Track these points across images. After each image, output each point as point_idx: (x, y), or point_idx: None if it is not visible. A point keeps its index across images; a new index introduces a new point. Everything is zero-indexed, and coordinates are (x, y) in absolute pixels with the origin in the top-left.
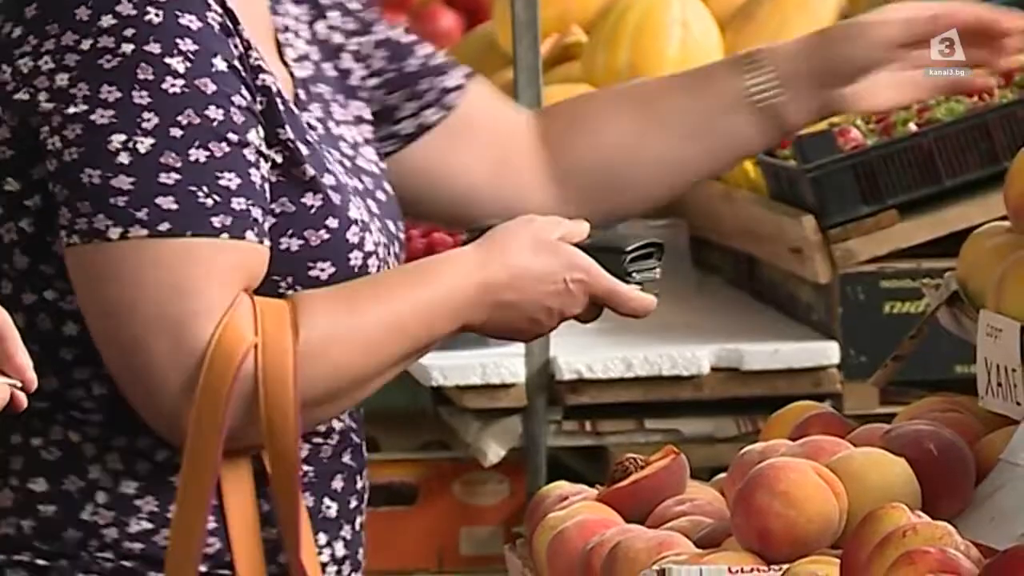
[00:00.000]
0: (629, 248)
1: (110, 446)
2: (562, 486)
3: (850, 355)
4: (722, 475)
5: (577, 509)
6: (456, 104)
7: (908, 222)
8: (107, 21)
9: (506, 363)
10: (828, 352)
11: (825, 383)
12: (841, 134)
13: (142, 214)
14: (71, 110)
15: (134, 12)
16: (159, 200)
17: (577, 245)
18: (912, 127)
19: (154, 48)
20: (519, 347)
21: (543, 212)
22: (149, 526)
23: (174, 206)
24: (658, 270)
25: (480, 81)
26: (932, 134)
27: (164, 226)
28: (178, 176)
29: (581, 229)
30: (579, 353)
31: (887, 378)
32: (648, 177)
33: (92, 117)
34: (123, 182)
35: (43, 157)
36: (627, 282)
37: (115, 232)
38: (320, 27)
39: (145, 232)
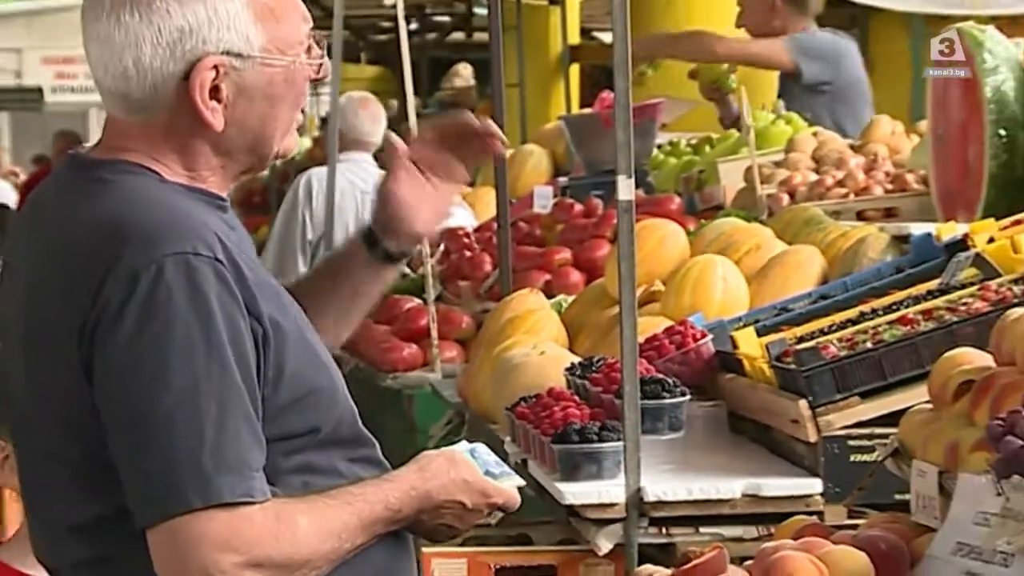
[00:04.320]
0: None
1: None
2: (648, 568)
3: (829, 487)
4: (749, 562)
5: None
6: None
7: (866, 404)
8: None
9: (612, 491)
10: (815, 485)
11: (813, 505)
12: (823, 348)
13: None
14: None
15: None
16: None
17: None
18: (868, 344)
19: None
20: (621, 480)
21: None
22: None
23: None
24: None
25: None
26: (883, 348)
27: None
28: None
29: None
30: (659, 485)
31: (853, 502)
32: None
33: None
34: None
35: None
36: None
37: None
38: None
39: None
